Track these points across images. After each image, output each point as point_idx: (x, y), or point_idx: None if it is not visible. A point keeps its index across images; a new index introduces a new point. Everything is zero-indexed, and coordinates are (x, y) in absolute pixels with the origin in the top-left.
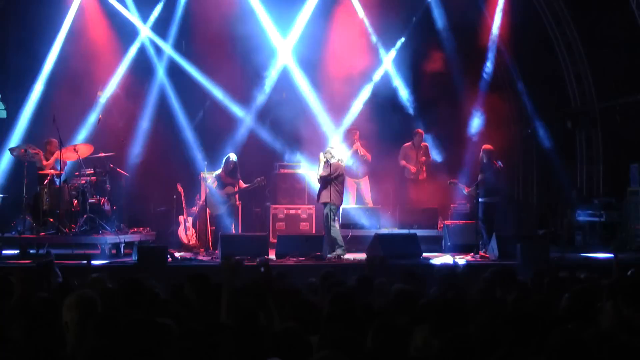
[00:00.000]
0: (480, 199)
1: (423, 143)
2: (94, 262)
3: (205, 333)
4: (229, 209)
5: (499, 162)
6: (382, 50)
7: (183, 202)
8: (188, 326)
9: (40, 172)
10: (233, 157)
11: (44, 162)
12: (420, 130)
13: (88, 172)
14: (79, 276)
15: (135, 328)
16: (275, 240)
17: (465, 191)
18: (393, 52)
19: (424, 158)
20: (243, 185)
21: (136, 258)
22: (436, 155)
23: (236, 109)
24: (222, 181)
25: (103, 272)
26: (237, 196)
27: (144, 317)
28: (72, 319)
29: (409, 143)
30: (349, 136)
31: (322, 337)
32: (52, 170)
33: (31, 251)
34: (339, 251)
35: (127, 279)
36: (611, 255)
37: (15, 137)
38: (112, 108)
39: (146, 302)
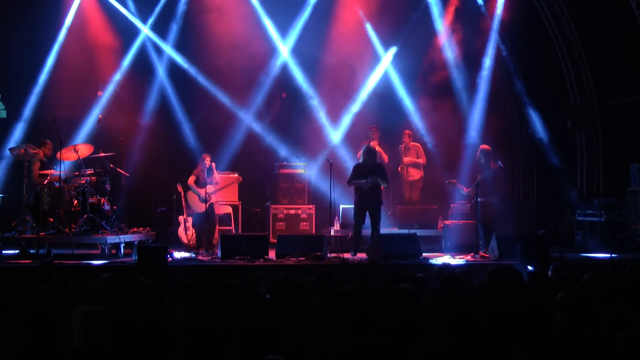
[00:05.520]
0: (478, 199)
1: (412, 143)
2: (94, 262)
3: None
4: (207, 208)
5: (499, 162)
6: (381, 50)
7: (183, 202)
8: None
9: (41, 172)
10: (207, 157)
11: (36, 166)
12: (407, 132)
13: (88, 172)
14: (80, 276)
15: (143, 330)
16: (275, 240)
17: (464, 191)
18: (392, 52)
19: (406, 159)
20: (220, 183)
21: (136, 258)
22: (435, 155)
23: (236, 109)
24: (200, 181)
25: (111, 273)
26: (213, 196)
27: (152, 319)
28: (78, 330)
29: (403, 144)
30: (368, 134)
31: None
32: (49, 171)
33: (31, 251)
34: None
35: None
36: (609, 255)
37: (15, 137)
38: (112, 108)
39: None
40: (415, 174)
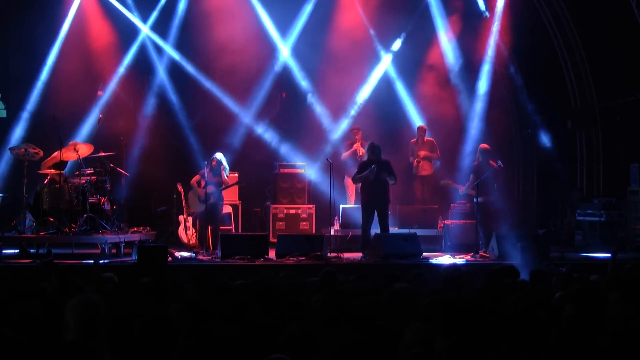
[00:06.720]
0: (478, 199)
1: (426, 138)
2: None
3: (208, 333)
4: (207, 207)
5: (499, 162)
6: (381, 50)
7: (183, 201)
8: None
9: (40, 171)
10: (218, 156)
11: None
12: (422, 126)
13: (88, 171)
14: (80, 275)
15: (146, 327)
16: (275, 240)
17: (460, 191)
18: (392, 51)
19: (422, 152)
20: (227, 182)
21: (136, 257)
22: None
23: (236, 109)
24: (205, 180)
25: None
26: (217, 195)
27: (154, 316)
28: (74, 321)
29: (414, 139)
30: (351, 135)
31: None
32: (49, 170)
33: (31, 251)
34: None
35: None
36: (609, 255)
37: (15, 137)
38: (112, 108)
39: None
40: (427, 169)
